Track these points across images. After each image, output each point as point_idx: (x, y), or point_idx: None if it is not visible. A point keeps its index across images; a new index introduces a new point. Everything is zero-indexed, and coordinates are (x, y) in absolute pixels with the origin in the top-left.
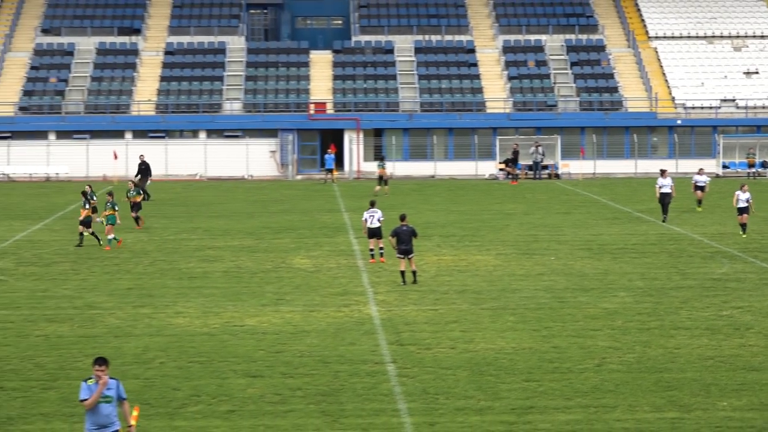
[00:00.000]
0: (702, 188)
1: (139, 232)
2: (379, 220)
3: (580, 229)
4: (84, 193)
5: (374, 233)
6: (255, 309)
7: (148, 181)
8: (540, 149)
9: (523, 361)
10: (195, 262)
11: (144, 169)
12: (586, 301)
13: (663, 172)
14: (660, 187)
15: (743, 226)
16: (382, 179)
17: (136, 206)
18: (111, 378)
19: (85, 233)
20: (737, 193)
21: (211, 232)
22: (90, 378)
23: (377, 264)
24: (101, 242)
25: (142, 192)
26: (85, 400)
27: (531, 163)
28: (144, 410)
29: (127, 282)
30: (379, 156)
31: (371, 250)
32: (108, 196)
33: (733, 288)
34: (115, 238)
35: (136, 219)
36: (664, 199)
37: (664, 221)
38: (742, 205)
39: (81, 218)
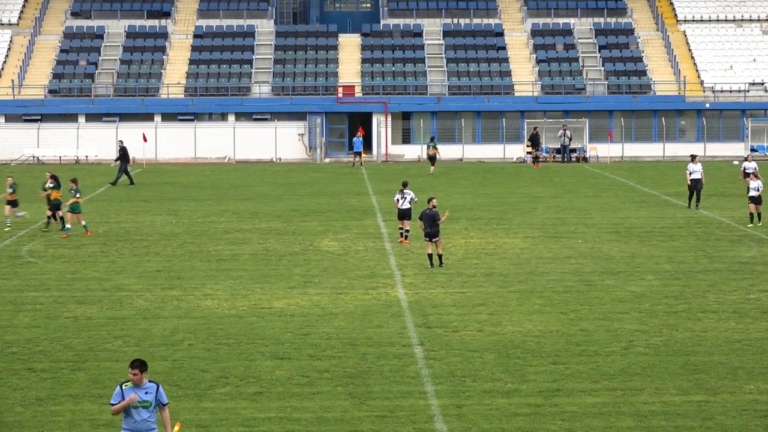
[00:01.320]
0: (751, 175)
1: (168, 214)
2: (410, 202)
3: (608, 213)
4: (54, 177)
5: (404, 214)
6: (283, 291)
7: (128, 167)
8: (567, 132)
9: (550, 343)
10: (223, 244)
11: (122, 154)
12: (613, 284)
13: (693, 158)
14: (690, 173)
15: (752, 216)
16: (432, 159)
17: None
18: (150, 381)
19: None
20: (748, 180)
21: (240, 214)
22: (126, 381)
23: (405, 247)
24: (65, 228)
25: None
26: (114, 405)
27: (558, 146)
28: (172, 392)
29: (156, 264)
30: (428, 136)
31: (400, 229)
32: (72, 183)
33: (761, 271)
34: (85, 227)
35: (55, 215)
36: (696, 186)
37: (694, 208)
38: (752, 193)
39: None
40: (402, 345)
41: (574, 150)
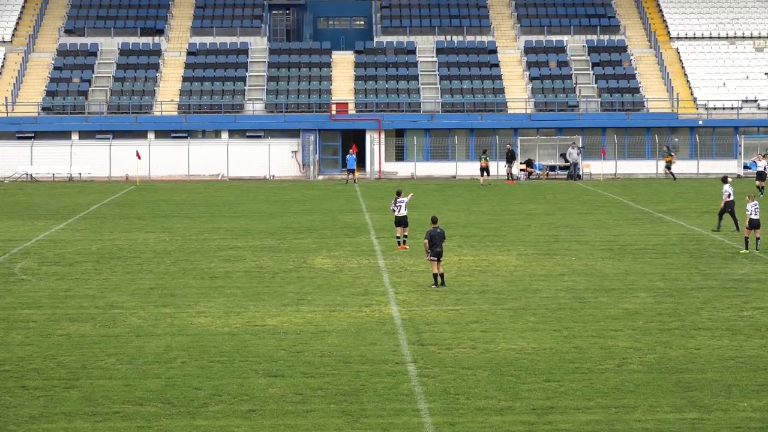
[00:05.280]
0: None
1: (161, 232)
2: (405, 208)
3: (601, 230)
4: None
5: (400, 221)
6: (276, 309)
7: None
8: (576, 149)
9: (543, 361)
10: (217, 262)
11: None
12: (606, 302)
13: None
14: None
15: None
16: (484, 170)
17: None
18: None
19: None
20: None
21: (233, 232)
22: None
23: (399, 265)
24: None
25: None
26: None
27: (569, 163)
28: (165, 409)
29: (149, 282)
30: (480, 149)
31: (398, 237)
32: None
33: (754, 288)
34: None
35: None
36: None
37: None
38: None
39: None
40: (395, 362)
41: (566, 167)
